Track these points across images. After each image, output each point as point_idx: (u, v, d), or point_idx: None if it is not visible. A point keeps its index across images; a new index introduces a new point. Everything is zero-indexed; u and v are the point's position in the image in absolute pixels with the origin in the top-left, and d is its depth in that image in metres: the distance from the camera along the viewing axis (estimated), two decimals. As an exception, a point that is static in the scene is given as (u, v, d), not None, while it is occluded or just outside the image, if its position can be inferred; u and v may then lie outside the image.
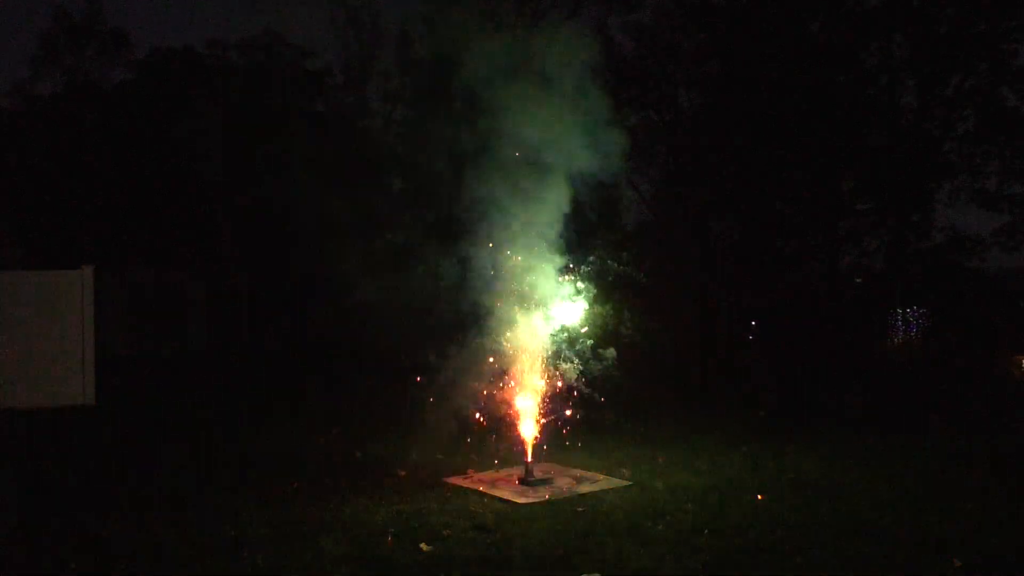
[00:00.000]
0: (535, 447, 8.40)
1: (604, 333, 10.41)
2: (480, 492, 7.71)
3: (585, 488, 7.82)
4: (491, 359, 8.40)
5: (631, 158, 23.27)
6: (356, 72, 23.78)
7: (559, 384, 8.58)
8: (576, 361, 8.60)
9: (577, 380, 8.61)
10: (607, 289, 11.61)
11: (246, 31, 28.95)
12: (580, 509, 7.08)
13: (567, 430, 9.07)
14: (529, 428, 8.40)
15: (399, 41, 23.03)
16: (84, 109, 22.34)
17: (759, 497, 7.43)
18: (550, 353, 8.56)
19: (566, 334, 8.69)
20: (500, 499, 7.44)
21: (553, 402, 8.57)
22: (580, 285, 8.80)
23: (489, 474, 8.41)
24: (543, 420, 8.52)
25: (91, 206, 20.56)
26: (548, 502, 7.37)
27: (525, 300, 8.32)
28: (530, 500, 7.42)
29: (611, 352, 8.79)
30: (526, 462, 8.25)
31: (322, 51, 27.36)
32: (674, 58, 22.14)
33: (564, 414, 8.72)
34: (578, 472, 8.44)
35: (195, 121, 20.92)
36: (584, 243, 10.42)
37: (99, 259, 14.96)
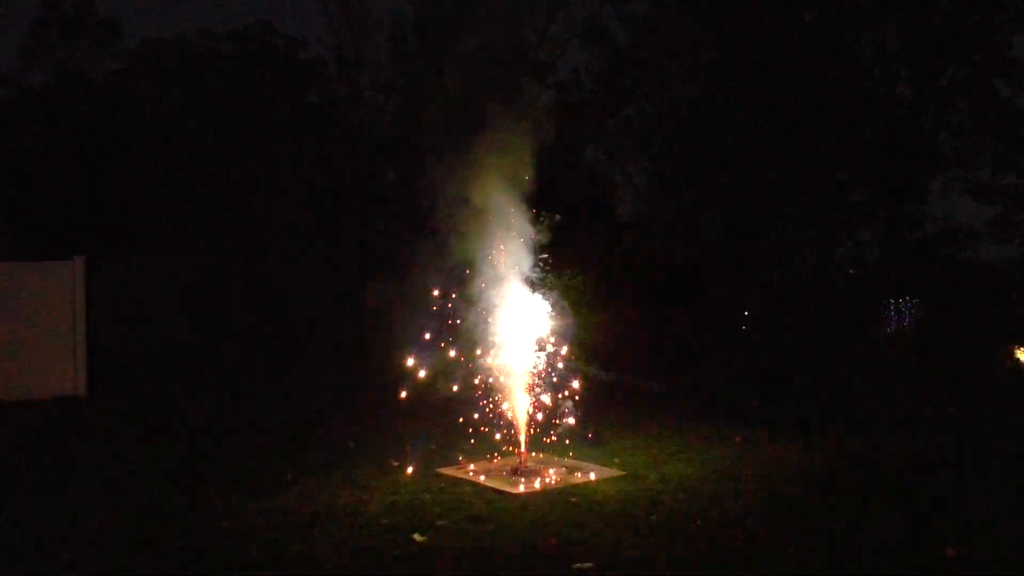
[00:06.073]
0: (528, 438, 8.39)
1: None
2: (473, 482, 7.71)
3: (578, 478, 7.82)
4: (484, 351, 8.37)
5: (626, 148, 23.34)
6: (349, 62, 23.69)
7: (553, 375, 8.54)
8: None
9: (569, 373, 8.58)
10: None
11: (239, 21, 28.86)
12: (573, 499, 7.08)
13: (561, 421, 9.05)
14: (523, 419, 8.38)
15: (392, 31, 22.99)
16: (76, 99, 22.20)
17: (753, 487, 7.44)
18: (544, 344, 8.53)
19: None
20: (493, 489, 7.44)
21: (547, 393, 8.54)
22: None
23: (482, 464, 8.41)
24: (536, 411, 8.50)
25: (82, 196, 20.47)
26: (541, 492, 7.37)
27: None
28: (523, 490, 7.42)
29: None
30: (519, 453, 8.25)
31: (315, 41, 27.18)
32: (669, 48, 22.12)
33: (557, 406, 8.69)
34: (571, 462, 8.45)
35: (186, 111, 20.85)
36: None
37: (90, 250, 14.85)
